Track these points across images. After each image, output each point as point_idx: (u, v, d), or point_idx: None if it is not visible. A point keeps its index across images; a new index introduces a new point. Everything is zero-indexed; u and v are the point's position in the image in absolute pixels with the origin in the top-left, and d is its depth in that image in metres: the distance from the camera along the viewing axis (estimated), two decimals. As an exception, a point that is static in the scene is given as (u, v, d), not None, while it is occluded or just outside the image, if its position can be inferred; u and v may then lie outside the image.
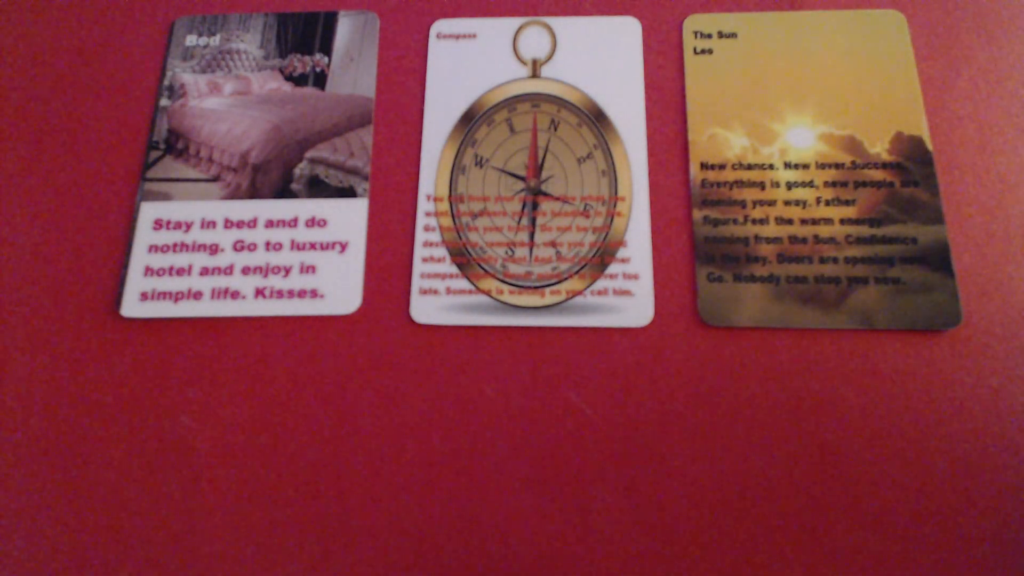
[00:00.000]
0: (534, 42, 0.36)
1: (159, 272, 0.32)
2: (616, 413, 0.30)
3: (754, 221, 0.32)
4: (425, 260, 0.32)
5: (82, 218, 0.34)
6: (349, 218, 0.33)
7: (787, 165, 0.32)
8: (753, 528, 0.28)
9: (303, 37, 0.37)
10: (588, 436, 0.29)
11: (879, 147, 0.32)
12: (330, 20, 0.37)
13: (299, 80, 0.36)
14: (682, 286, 0.31)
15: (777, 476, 0.29)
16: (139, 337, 0.32)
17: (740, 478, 0.29)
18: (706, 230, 0.32)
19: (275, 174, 0.34)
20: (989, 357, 0.30)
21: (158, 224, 0.33)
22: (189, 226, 0.33)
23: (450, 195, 0.33)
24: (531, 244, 0.32)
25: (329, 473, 0.29)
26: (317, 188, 0.34)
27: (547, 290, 0.31)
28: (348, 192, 0.34)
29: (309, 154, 0.34)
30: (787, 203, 0.32)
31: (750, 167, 0.33)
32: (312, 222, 0.33)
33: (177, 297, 0.32)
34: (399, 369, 0.31)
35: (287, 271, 0.32)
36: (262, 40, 0.37)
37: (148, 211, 0.34)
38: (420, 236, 0.33)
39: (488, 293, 0.31)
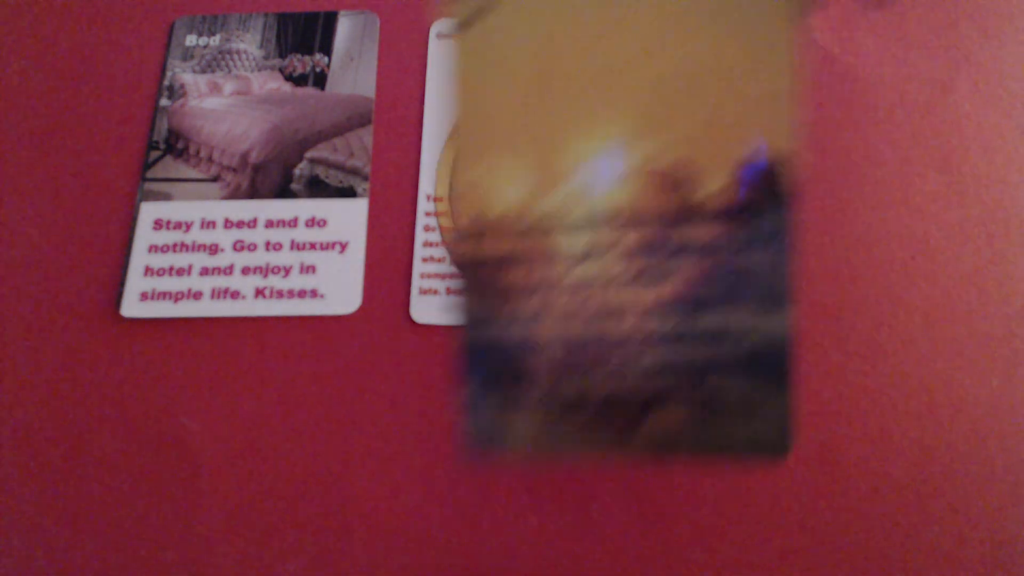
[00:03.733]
0: (534, 42, 0.36)
1: (159, 272, 0.32)
2: (616, 413, 0.30)
3: (523, 319, 0.21)
4: (425, 260, 0.32)
5: (82, 218, 0.34)
6: (349, 218, 0.33)
7: (573, 226, 0.20)
8: (754, 527, 0.28)
9: (303, 37, 0.37)
10: (588, 436, 0.29)
11: (719, 180, 0.19)
12: (330, 20, 0.37)
13: (299, 80, 0.36)
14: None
15: (778, 474, 0.28)
16: (139, 337, 0.32)
17: (741, 477, 0.29)
18: None
19: (275, 174, 0.34)
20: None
21: (158, 224, 0.33)
22: (189, 226, 0.33)
23: (450, 195, 0.33)
24: (531, 244, 0.32)
25: (329, 473, 0.29)
26: (317, 188, 0.34)
27: (547, 290, 0.31)
28: (348, 192, 0.34)
29: (309, 154, 0.34)
30: (573, 287, 0.21)
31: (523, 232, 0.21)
32: (312, 222, 0.33)
33: (177, 297, 0.32)
34: (399, 369, 0.31)
35: (287, 271, 0.32)
36: (262, 40, 0.37)
37: (148, 211, 0.34)
38: (420, 236, 0.33)
39: (488, 293, 0.31)
